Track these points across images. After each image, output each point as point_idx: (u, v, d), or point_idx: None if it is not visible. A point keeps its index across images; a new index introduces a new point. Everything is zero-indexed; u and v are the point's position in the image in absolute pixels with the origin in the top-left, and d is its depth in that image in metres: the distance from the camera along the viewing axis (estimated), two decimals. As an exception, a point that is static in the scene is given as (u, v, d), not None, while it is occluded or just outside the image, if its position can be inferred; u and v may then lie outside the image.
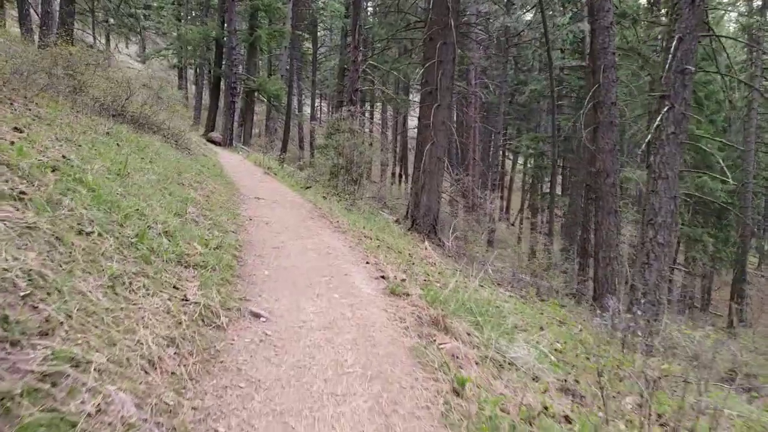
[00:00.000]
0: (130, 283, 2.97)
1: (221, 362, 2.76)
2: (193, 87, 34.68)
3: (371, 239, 7.77)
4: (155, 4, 33.65)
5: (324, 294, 4.06)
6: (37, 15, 18.61)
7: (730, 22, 32.00)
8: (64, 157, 4.34)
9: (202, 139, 20.99)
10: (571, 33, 25.39)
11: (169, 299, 3.06)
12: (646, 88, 24.01)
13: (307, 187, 13.14)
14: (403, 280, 4.83)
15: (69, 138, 5.21)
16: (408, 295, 4.42)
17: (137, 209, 4.05)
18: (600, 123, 9.70)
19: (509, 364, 3.99)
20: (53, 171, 3.83)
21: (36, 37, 16.17)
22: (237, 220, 6.00)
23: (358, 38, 19.80)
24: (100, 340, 2.31)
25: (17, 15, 19.08)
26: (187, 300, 3.19)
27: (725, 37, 12.68)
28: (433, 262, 8.28)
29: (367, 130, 19.17)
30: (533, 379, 3.93)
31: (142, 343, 2.48)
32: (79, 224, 3.22)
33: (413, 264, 7.45)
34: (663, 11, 23.28)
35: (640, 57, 15.81)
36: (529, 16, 29.03)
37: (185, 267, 3.72)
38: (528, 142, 28.19)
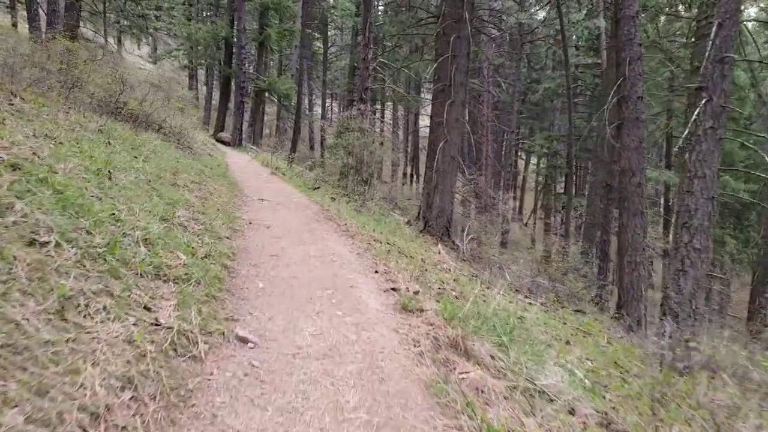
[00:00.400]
0: (87, 306, 2.42)
1: (192, 407, 2.20)
2: (204, 87, 34.35)
3: (381, 243, 7.21)
4: (166, 5, 33.39)
5: (325, 311, 3.50)
6: (45, 14, 18.34)
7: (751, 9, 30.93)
8: (34, 154, 3.83)
9: (210, 139, 20.58)
10: (586, 29, 24.63)
11: (134, 324, 2.51)
12: (665, 84, 23.19)
13: (316, 188, 12.61)
14: (417, 292, 4.25)
15: (49, 134, 4.70)
16: (422, 310, 3.84)
17: (113, 214, 3.52)
18: (625, 119, 9.03)
19: (540, 393, 3.39)
20: (14, 169, 3.31)
21: (44, 36, 15.86)
22: (234, 224, 5.46)
23: (369, 36, 19.25)
24: (25, 387, 1.77)
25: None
26: (158, 324, 2.63)
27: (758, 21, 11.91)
28: (448, 268, 7.68)
29: (377, 129, 18.60)
30: (569, 412, 3.33)
31: (85, 388, 1.93)
32: (32, 233, 2.69)
33: (426, 270, 6.87)
34: (681, 7, 22.45)
35: (662, 51, 15.06)
36: (543, 13, 28.31)
37: (164, 281, 3.18)
38: (542, 141, 27.43)
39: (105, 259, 2.91)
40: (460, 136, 11.60)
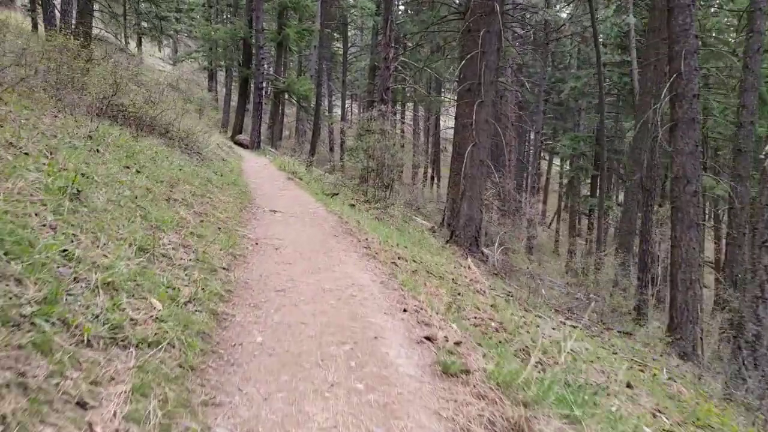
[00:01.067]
0: (-27, 418, 1.55)
1: None
2: (224, 89, 33.83)
3: (407, 261, 6.29)
4: (186, 7, 32.96)
5: (341, 382, 2.58)
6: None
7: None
8: (-23, 170, 3.00)
9: (227, 142, 19.89)
10: (615, 26, 23.38)
11: (51, 441, 1.63)
12: (700, 82, 21.76)
13: (334, 194, 11.73)
14: (458, 343, 3.30)
15: (14, 143, 3.89)
16: (467, 372, 2.90)
17: (65, 250, 2.66)
18: (679, 120, 7.94)
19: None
20: (-72, 195, 2.47)
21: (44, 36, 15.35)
22: (236, 247, 4.58)
23: (390, 35, 18.34)
24: None
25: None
26: (91, 435, 1.75)
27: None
28: (482, 289, 6.71)
29: (398, 130, 17.65)
30: None
31: None
32: None
33: (459, 295, 5.93)
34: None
35: (705, 45, 13.82)
36: (568, 10, 27.04)
37: (123, 347, 2.30)
38: (568, 142, 26.18)
39: (33, 323, 2.05)
40: (490, 138, 10.61)
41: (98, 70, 8.08)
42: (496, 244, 10.33)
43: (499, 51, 10.42)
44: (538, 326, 6.33)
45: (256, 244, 5.01)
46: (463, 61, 14.04)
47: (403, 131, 23.66)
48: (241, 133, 23.31)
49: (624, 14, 22.99)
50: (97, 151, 5.17)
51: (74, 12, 15.36)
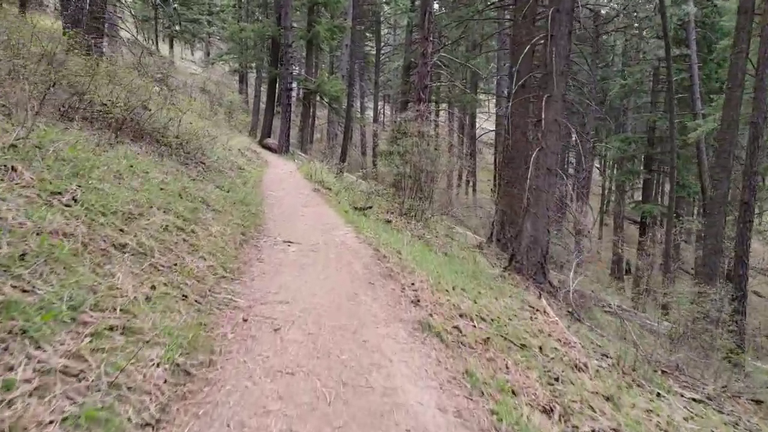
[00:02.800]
0: None
1: None
2: (254, 91, 32.33)
3: (472, 322, 4.23)
4: (217, 9, 31.60)
5: None
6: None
7: None
8: None
9: (254, 146, 18.14)
10: (674, 16, 20.62)
11: None
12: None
13: (368, 208, 9.71)
14: None
15: None
16: None
17: None
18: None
19: None
20: None
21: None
22: (199, 339, 2.55)
23: (429, 27, 16.20)
24: None
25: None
26: None
27: None
28: (579, 359, 4.55)
29: (434, 132, 15.50)
30: None
31: None
32: None
33: (557, 380, 3.83)
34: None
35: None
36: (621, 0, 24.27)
37: None
38: (618, 143, 23.51)
39: None
40: (561, 141, 8.37)
41: (79, 60, 6.28)
42: (572, 273, 8.07)
43: (571, 34, 8.21)
44: (670, 421, 4.17)
45: (245, 320, 2.99)
46: (516, 55, 11.86)
47: (437, 134, 21.46)
48: (269, 136, 21.60)
49: (683, 3, 20.26)
50: (13, 169, 3.26)
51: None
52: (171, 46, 30.50)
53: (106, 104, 6.07)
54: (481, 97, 32.55)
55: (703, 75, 19.39)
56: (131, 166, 4.94)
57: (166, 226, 3.87)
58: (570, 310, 7.20)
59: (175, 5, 31.81)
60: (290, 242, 5.23)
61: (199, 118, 16.30)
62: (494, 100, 32.99)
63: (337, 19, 21.62)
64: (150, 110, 9.47)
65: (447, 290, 4.96)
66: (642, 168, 24.37)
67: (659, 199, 27.10)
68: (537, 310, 6.14)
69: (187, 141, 6.93)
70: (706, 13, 20.50)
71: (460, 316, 4.31)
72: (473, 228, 18.13)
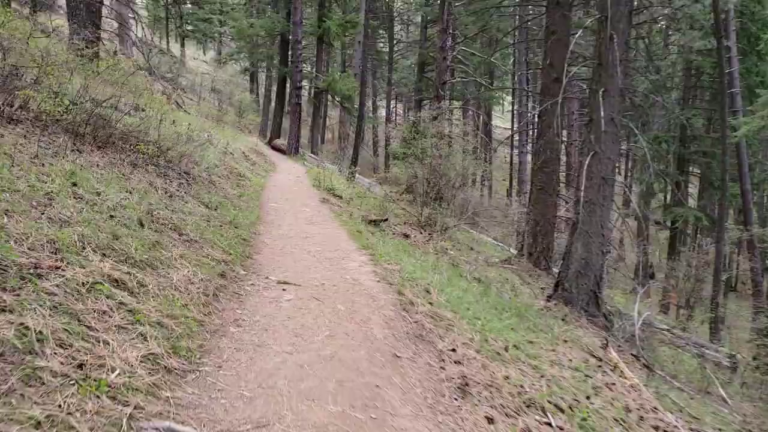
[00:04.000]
0: None
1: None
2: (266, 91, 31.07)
3: (547, 415, 2.82)
4: (228, 8, 30.34)
5: None
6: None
7: None
8: None
9: (263, 148, 16.81)
10: (707, 7, 18.89)
11: None
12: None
13: (383, 221, 8.31)
14: None
15: None
16: None
17: None
18: None
19: None
20: None
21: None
22: None
23: (447, 19, 14.73)
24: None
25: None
26: None
27: None
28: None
29: (456, 132, 14.00)
30: None
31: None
32: None
33: None
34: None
35: None
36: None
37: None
38: (647, 143, 21.75)
39: None
40: (618, 144, 6.86)
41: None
42: (636, 306, 6.56)
43: (631, 15, 6.71)
44: None
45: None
46: (554, 46, 10.35)
47: (463, 133, 19.84)
48: (279, 137, 20.28)
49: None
50: None
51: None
52: (182, 46, 29.33)
53: (71, 104, 4.73)
54: (498, 93, 30.92)
55: (742, 69, 17.64)
56: (74, 185, 3.59)
57: (92, 284, 2.51)
58: (635, 353, 5.72)
59: (188, 4, 30.66)
60: (286, 284, 3.85)
61: (206, 119, 15.03)
62: (508, 98, 31.38)
63: (349, 14, 20.22)
64: (143, 110, 8.17)
65: (499, 354, 3.55)
66: (675, 169, 22.63)
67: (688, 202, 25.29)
68: (605, 362, 4.70)
69: (169, 147, 5.56)
70: (746, 2, 18.71)
71: (528, 406, 2.90)
72: (490, 231, 16.61)
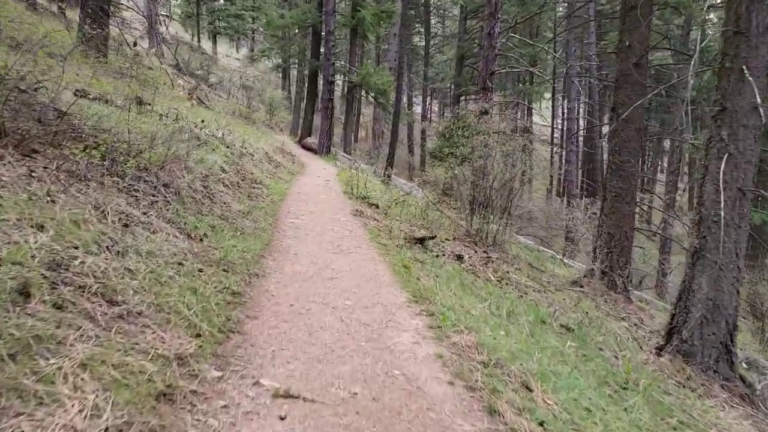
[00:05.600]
0: None
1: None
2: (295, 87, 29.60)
3: None
4: (260, 3, 28.95)
5: None
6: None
7: None
8: None
9: (292, 147, 15.19)
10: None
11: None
12: None
13: (430, 238, 6.46)
14: None
15: None
16: None
17: None
18: None
19: None
20: None
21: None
22: None
23: (496, 3, 12.66)
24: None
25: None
26: None
27: None
28: None
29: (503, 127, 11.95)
30: None
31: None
32: None
33: None
34: None
35: None
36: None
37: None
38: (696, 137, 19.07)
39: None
40: (758, 144, 4.80)
41: None
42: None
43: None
44: None
45: None
46: (633, 24, 8.24)
47: (518, 129, 17.45)
48: (309, 135, 18.66)
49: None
50: None
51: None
52: (214, 43, 28.12)
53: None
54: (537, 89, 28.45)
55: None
56: None
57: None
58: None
59: (220, 0, 29.46)
60: (289, 397, 2.06)
61: (231, 117, 13.50)
62: (546, 93, 28.84)
63: (385, 4, 18.34)
64: (149, 105, 6.70)
65: None
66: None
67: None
68: None
69: (140, 151, 3.87)
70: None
71: None
72: (536, 234, 14.42)
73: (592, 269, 8.58)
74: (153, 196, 3.70)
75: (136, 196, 3.56)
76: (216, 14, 27.92)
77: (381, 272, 4.00)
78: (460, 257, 6.36)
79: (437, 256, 6.06)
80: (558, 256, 10.44)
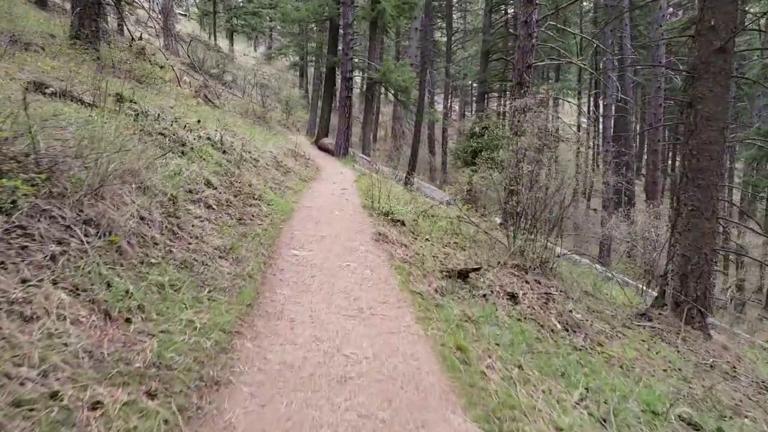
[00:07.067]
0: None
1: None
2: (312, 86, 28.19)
3: None
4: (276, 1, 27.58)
5: None
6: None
7: None
8: None
9: (308, 149, 13.74)
10: None
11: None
12: None
13: (475, 270, 4.89)
14: None
15: None
16: None
17: None
18: None
19: None
20: None
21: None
22: None
23: (534, -16, 10.97)
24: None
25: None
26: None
27: None
28: None
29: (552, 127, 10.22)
30: None
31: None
32: None
33: None
34: None
35: None
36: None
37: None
38: (760, 136, 17.04)
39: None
40: None
41: None
42: None
43: None
44: None
45: None
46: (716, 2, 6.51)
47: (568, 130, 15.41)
48: (327, 135, 17.20)
49: None
50: None
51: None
52: (231, 41, 26.87)
53: None
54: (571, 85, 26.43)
55: None
56: None
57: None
58: None
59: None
60: None
61: (240, 116, 12.11)
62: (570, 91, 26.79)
63: (406, -6, 16.69)
64: (132, 102, 5.35)
65: None
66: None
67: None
68: None
69: (56, 163, 2.41)
70: None
71: None
72: (578, 246, 12.70)
73: (661, 298, 6.88)
74: (59, 243, 2.23)
75: (26, 247, 2.10)
76: (233, 12, 26.65)
77: (423, 363, 2.46)
78: (513, 297, 4.79)
79: (485, 296, 4.51)
80: (616, 276, 8.72)
